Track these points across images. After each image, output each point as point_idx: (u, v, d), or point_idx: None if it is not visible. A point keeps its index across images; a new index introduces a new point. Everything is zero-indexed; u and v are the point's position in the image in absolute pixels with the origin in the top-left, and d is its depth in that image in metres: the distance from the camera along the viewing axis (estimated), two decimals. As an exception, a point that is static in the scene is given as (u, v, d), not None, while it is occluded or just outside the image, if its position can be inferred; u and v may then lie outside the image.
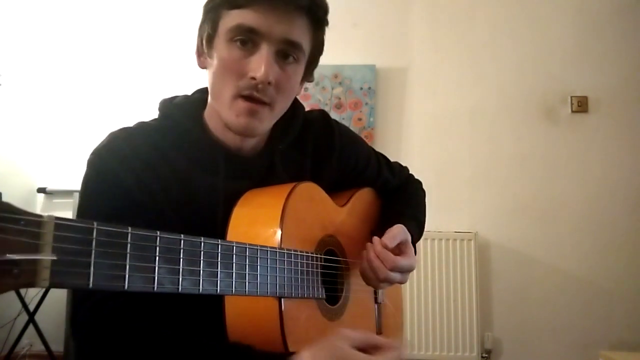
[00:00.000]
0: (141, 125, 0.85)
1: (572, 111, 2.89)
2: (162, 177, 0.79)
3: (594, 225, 2.81)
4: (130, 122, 0.85)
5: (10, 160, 2.97)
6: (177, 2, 3.07)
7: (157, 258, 0.50)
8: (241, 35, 0.75)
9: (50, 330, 2.75)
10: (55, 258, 0.40)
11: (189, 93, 0.92)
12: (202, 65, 0.83)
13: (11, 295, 2.64)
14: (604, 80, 2.89)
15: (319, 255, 0.81)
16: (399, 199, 1.10)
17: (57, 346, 2.76)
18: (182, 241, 0.53)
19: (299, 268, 0.73)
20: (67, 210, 2.97)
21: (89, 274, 0.43)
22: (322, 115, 1.00)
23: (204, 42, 0.81)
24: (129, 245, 0.47)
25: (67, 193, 3.00)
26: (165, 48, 3.05)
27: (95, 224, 0.45)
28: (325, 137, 0.97)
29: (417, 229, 1.04)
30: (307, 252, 0.76)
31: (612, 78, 2.89)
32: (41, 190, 3.05)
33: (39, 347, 2.77)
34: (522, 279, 2.82)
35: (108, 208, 0.75)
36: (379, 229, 0.96)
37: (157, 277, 0.50)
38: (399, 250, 0.89)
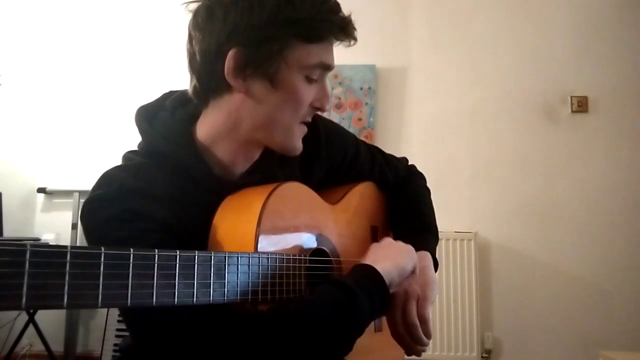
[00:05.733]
0: (133, 159, 0.79)
1: (572, 111, 2.89)
2: (179, 201, 0.75)
3: (594, 225, 2.81)
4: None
5: (10, 160, 2.97)
6: (176, 3, 3.07)
7: (101, 274, 0.50)
8: (317, 73, 0.78)
9: (50, 330, 2.76)
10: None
11: (167, 109, 0.84)
12: (242, 90, 0.75)
13: (11, 295, 2.63)
14: (604, 80, 2.89)
15: (301, 257, 0.79)
16: (406, 207, 1.09)
17: (57, 346, 2.76)
18: (131, 255, 0.52)
19: (277, 272, 0.71)
20: (67, 210, 2.98)
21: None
22: None
23: (249, 64, 0.73)
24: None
25: (67, 193, 3.00)
26: (164, 48, 3.05)
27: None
28: (310, 130, 0.94)
29: (433, 238, 1.04)
30: (286, 255, 0.74)
31: (612, 78, 2.89)
32: (41, 190, 3.05)
33: (39, 347, 2.77)
34: (522, 279, 2.82)
35: (149, 243, 0.68)
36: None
37: (102, 293, 0.50)
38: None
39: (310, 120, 0.83)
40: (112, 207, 0.69)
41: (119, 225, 0.68)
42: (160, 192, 0.73)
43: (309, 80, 0.77)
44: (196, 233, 0.73)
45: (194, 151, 0.79)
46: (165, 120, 0.82)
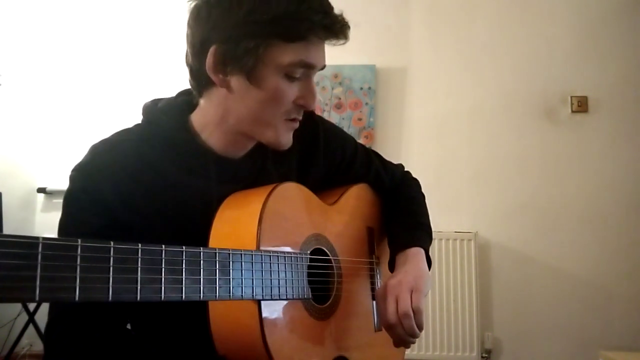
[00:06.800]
0: (124, 135, 0.82)
1: (572, 111, 2.89)
2: (150, 188, 0.78)
3: (593, 225, 2.81)
4: (117, 127, 0.83)
5: (10, 160, 2.97)
6: (174, 3, 3.07)
7: (111, 268, 0.50)
8: (299, 72, 0.77)
9: (50, 330, 2.75)
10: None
11: (173, 95, 0.89)
12: (223, 85, 0.77)
13: (11, 295, 2.63)
14: (604, 80, 2.89)
15: (302, 256, 0.80)
16: (401, 208, 1.09)
17: (57, 346, 2.76)
18: (139, 250, 0.53)
19: (278, 269, 0.72)
20: (67, 210, 2.98)
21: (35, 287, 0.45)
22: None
23: (228, 61, 0.75)
24: (78, 257, 0.48)
25: (67, 193, 3.00)
26: (163, 48, 3.05)
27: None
28: (309, 131, 0.95)
29: (426, 237, 1.05)
30: (287, 253, 0.76)
31: (612, 78, 2.89)
32: (41, 190, 3.05)
33: (39, 347, 2.78)
34: (522, 279, 2.82)
35: (89, 225, 0.74)
36: (390, 246, 1.01)
37: (112, 287, 0.50)
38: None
39: (299, 117, 0.82)
40: (77, 180, 0.76)
41: (74, 200, 0.76)
42: (131, 168, 0.77)
43: (290, 78, 0.77)
44: (163, 210, 0.78)
45: (186, 127, 0.83)
46: (168, 101, 0.86)
